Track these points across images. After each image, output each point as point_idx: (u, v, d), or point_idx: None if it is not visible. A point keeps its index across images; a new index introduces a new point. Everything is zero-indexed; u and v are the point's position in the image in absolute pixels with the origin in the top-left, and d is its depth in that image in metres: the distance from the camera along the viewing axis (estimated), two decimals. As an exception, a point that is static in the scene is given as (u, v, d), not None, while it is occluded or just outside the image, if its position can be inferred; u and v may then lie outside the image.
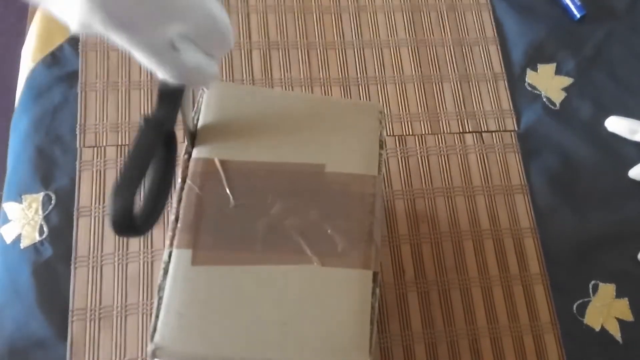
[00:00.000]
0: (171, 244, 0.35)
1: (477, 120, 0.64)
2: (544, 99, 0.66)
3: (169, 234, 0.36)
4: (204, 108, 0.39)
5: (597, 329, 0.56)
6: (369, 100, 0.64)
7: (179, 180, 0.37)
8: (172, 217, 0.36)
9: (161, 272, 0.35)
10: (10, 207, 0.55)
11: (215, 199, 0.36)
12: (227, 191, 0.37)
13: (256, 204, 0.36)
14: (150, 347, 0.33)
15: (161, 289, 0.34)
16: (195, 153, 0.38)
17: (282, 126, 0.39)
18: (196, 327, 0.33)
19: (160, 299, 0.34)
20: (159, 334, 0.33)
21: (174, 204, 0.37)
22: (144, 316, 0.52)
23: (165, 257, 0.35)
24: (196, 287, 0.34)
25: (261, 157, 0.38)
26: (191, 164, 0.37)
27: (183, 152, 0.38)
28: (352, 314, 0.34)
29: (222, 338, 0.33)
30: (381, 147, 0.40)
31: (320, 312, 0.34)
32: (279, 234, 0.36)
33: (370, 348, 0.33)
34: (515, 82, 0.67)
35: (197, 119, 0.39)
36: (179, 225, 0.36)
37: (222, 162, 0.37)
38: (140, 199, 0.32)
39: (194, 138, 0.38)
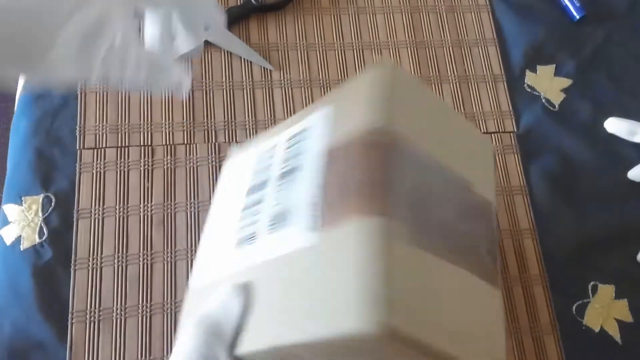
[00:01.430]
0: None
1: (477, 121, 0.64)
2: (543, 100, 0.66)
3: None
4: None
5: (597, 330, 0.56)
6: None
7: None
8: None
9: None
10: (10, 209, 0.55)
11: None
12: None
13: (430, 200, 0.36)
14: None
15: None
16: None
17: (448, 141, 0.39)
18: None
19: None
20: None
21: None
22: (144, 318, 0.52)
23: None
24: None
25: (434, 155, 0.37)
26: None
27: None
28: (495, 324, 0.35)
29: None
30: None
31: (476, 318, 0.34)
32: (455, 237, 0.35)
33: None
34: (515, 83, 0.67)
35: None
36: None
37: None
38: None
39: None
